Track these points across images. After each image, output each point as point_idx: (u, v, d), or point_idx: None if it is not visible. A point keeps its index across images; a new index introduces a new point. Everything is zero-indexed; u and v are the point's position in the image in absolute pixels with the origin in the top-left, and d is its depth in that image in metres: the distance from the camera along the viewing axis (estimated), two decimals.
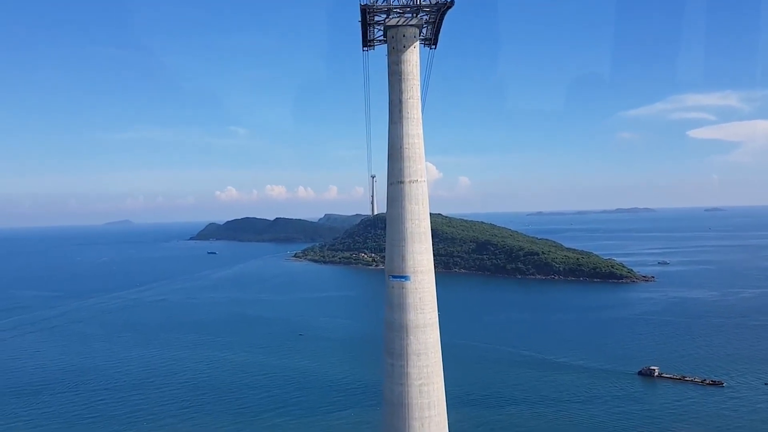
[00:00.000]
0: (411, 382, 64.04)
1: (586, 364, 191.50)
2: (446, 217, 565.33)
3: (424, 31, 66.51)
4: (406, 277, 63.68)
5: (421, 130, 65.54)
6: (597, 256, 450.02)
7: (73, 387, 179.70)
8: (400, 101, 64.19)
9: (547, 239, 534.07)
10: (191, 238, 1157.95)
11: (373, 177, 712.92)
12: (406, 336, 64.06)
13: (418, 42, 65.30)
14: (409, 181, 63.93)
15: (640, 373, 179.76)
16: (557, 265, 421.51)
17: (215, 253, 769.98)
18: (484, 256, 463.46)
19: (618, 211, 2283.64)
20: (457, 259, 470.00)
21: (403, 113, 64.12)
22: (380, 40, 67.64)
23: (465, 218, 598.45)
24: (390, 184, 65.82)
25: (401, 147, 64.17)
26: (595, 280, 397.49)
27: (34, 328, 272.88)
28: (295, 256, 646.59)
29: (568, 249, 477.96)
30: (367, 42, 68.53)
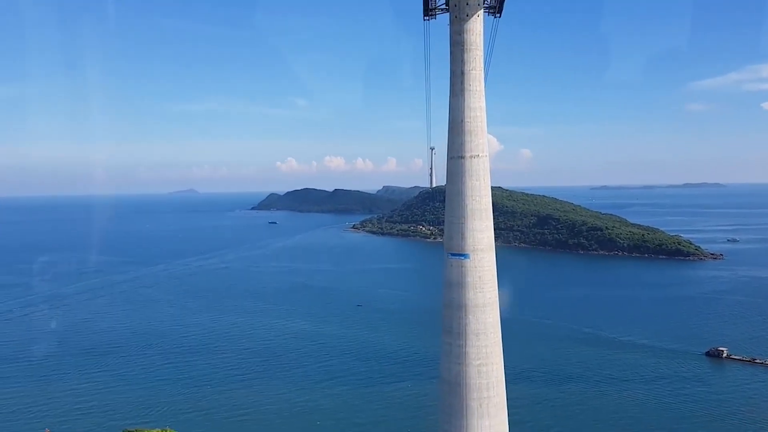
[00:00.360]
0: (469, 362, 62.84)
1: (650, 343, 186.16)
2: (507, 190, 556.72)
3: None
4: (465, 255, 61.98)
5: (484, 103, 62.96)
6: (663, 232, 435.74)
7: (140, 350, 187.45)
8: (462, 73, 61.57)
9: (611, 214, 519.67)
10: (253, 208, 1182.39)
11: (432, 149, 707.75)
12: (465, 315, 62.65)
13: (482, 10, 62.27)
14: (470, 156, 61.71)
15: (707, 354, 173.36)
16: (621, 241, 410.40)
17: (276, 222, 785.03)
18: (546, 231, 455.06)
19: (686, 185, 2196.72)
20: (518, 233, 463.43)
21: (465, 85, 61.63)
22: (442, 9, 64.73)
23: (526, 191, 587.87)
24: (450, 158, 63.79)
25: (462, 120, 61.89)
26: (661, 256, 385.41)
27: (105, 292, 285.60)
28: (353, 227, 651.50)
29: (633, 224, 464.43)
30: (428, 11, 65.90)
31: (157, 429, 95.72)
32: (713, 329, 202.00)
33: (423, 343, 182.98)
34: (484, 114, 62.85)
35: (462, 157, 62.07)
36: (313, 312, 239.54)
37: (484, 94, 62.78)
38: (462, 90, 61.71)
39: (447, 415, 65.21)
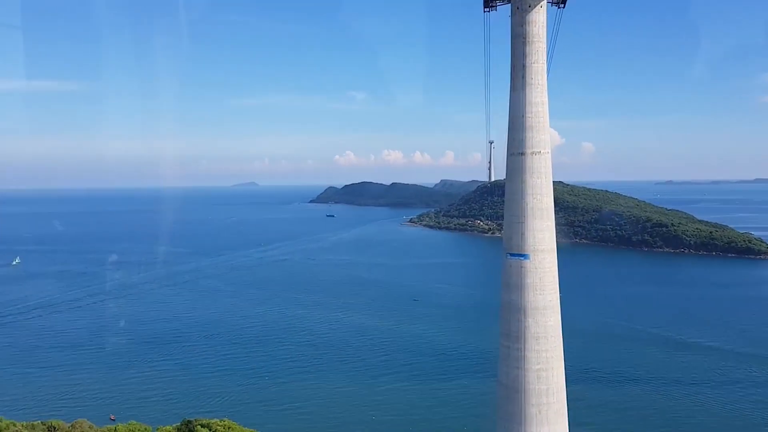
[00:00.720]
0: (528, 366, 60.81)
1: (719, 346, 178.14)
2: (567, 185, 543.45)
3: None
4: (525, 256, 59.95)
5: (546, 98, 60.55)
6: (732, 229, 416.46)
7: (202, 339, 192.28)
8: (524, 66, 59.45)
9: (677, 210, 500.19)
10: (311, 201, 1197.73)
11: (491, 143, 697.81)
12: (524, 318, 60.56)
13: (545, 1, 60.14)
14: (531, 153, 59.58)
15: None
16: (688, 239, 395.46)
17: (333, 216, 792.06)
18: (608, 227, 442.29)
19: (757, 181, 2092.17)
20: (579, 229, 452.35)
21: (527, 79, 59.48)
22: (503, 0, 62.98)
23: (588, 186, 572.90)
24: (510, 155, 61.74)
25: (523, 116, 59.75)
26: (730, 255, 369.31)
27: (169, 282, 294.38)
28: (411, 221, 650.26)
29: (700, 221, 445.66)
30: (489, 2, 63.90)
31: (216, 419, 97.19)
32: None
33: (481, 341, 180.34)
34: (546, 109, 60.55)
35: (522, 154, 60.04)
36: (370, 305, 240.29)
37: (546, 88, 60.46)
38: (523, 84, 59.64)
39: (505, 421, 63.53)
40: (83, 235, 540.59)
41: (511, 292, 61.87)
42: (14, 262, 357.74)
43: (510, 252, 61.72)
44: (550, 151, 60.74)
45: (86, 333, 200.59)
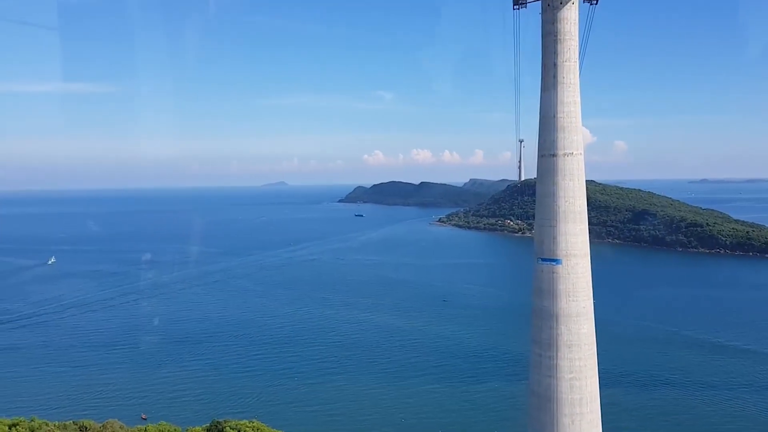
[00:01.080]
0: (561, 375, 58.89)
1: (758, 349, 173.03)
2: (600, 184, 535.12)
3: None
4: (557, 261, 58.17)
5: (578, 97, 58.74)
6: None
7: (231, 339, 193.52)
8: (555, 65, 57.74)
9: (712, 209, 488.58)
10: (340, 201, 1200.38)
11: (521, 142, 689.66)
12: (557, 325, 58.69)
13: None
14: (563, 154, 57.83)
15: None
16: (724, 239, 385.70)
17: (362, 215, 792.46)
18: (641, 227, 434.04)
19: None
20: (611, 228, 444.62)
21: (558, 78, 57.71)
22: None
23: (620, 185, 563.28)
24: (541, 156, 60.05)
25: (555, 116, 58.00)
26: (767, 255, 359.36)
27: (200, 281, 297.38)
28: (440, 221, 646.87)
29: (736, 221, 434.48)
30: (518, 0, 62.58)
31: (245, 420, 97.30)
32: None
33: (511, 343, 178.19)
34: (578, 108, 58.70)
35: (554, 155, 58.25)
36: (399, 306, 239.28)
37: (578, 87, 58.64)
38: (554, 83, 57.85)
39: (537, 430, 61.78)
40: (116, 234, 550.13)
41: (542, 298, 60.03)
42: (50, 262, 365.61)
43: (541, 257, 59.96)
44: (582, 152, 58.92)
45: (119, 332, 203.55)
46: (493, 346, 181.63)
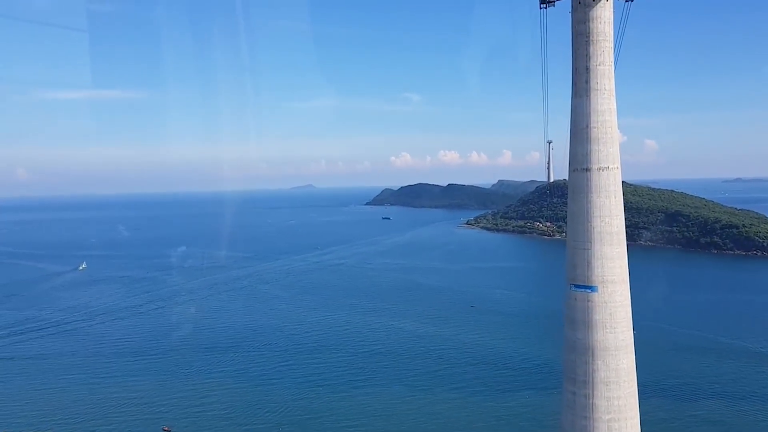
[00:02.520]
0: (598, 416, 53.20)
1: None
2: (630, 184, 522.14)
3: None
4: (592, 288, 52.83)
5: (614, 105, 53.23)
6: None
7: (258, 347, 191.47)
8: (587, 69, 52.74)
9: (747, 210, 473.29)
10: (367, 203, 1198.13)
11: (549, 143, 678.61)
12: (593, 360, 53.31)
13: None
14: (598, 168, 52.67)
15: None
16: (761, 240, 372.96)
17: (389, 218, 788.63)
18: (674, 228, 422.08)
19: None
20: (643, 230, 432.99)
21: (591, 84, 52.68)
22: None
23: (652, 185, 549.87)
24: (572, 170, 54.68)
25: (588, 126, 52.87)
26: None
27: (227, 287, 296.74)
28: (468, 223, 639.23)
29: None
30: None
31: None
32: None
33: (543, 351, 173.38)
34: (614, 117, 53.18)
35: (587, 170, 53.04)
36: (426, 312, 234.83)
37: (614, 93, 53.25)
38: (587, 89, 52.72)
39: None
40: (146, 239, 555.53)
41: (576, 329, 54.47)
42: (81, 267, 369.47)
43: (574, 283, 54.51)
44: (619, 165, 53.65)
45: (146, 340, 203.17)
46: (523, 354, 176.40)
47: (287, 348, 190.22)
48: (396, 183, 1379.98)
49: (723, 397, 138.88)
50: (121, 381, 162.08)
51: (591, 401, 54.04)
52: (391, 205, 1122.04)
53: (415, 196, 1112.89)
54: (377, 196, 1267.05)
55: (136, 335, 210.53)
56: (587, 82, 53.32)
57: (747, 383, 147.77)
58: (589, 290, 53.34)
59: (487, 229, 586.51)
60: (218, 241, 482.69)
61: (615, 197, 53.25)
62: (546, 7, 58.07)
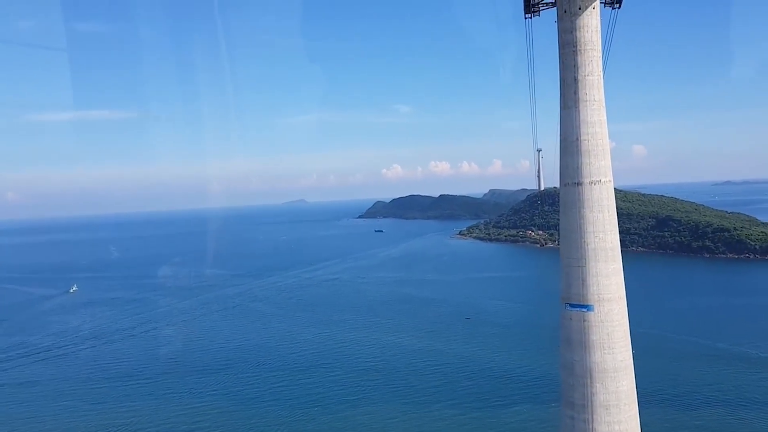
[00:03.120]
0: None
1: None
2: (621, 190, 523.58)
3: None
4: (588, 307, 50.95)
5: (605, 116, 51.80)
6: None
7: (251, 367, 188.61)
8: (576, 80, 51.18)
9: (738, 213, 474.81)
10: (360, 216, 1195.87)
11: (539, 151, 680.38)
12: (591, 383, 51.18)
13: (598, 1, 51.78)
14: (590, 182, 51.06)
15: None
16: (752, 243, 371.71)
17: (382, 231, 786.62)
18: (666, 233, 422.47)
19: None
20: (635, 236, 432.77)
21: (580, 95, 51.11)
22: (547, 4, 55.07)
23: (641, 190, 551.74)
24: (563, 185, 53.04)
25: (578, 138, 51.27)
26: None
27: (219, 306, 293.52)
28: (460, 233, 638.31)
29: (765, 224, 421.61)
30: (530, 7, 56.34)
31: None
32: None
33: (538, 362, 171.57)
34: (605, 129, 51.69)
35: (579, 184, 51.37)
36: (421, 325, 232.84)
37: (603, 104, 51.89)
38: (576, 101, 51.11)
39: None
40: (137, 259, 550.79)
41: (572, 351, 52.34)
42: (71, 290, 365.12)
43: (569, 302, 52.57)
44: (611, 178, 52.18)
45: (137, 363, 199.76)
46: (519, 367, 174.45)
47: (281, 367, 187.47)
48: (388, 195, 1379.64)
49: (723, 405, 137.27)
50: (113, 406, 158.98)
51: (590, 426, 51.84)
52: (384, 217, 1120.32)
53: (408, 207, 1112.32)
54: (369, 208, 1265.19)
55: (128, 358, 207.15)
56: (576, 93, 51.74)
57: (747, 389, 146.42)
58: (584, 309, 51.31)
59: (480, 239, 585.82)
60: (209, 259, 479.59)
61: (608, 212, 51.66)
62: (531, 17, 56.63)
